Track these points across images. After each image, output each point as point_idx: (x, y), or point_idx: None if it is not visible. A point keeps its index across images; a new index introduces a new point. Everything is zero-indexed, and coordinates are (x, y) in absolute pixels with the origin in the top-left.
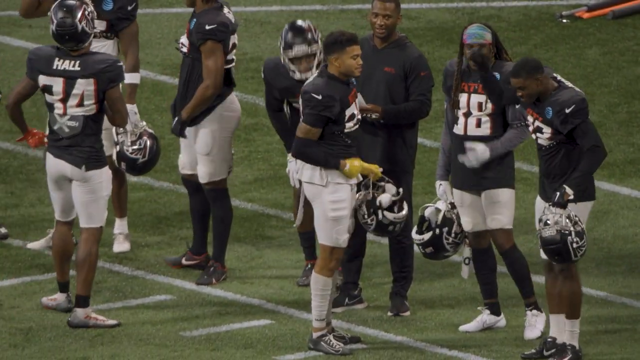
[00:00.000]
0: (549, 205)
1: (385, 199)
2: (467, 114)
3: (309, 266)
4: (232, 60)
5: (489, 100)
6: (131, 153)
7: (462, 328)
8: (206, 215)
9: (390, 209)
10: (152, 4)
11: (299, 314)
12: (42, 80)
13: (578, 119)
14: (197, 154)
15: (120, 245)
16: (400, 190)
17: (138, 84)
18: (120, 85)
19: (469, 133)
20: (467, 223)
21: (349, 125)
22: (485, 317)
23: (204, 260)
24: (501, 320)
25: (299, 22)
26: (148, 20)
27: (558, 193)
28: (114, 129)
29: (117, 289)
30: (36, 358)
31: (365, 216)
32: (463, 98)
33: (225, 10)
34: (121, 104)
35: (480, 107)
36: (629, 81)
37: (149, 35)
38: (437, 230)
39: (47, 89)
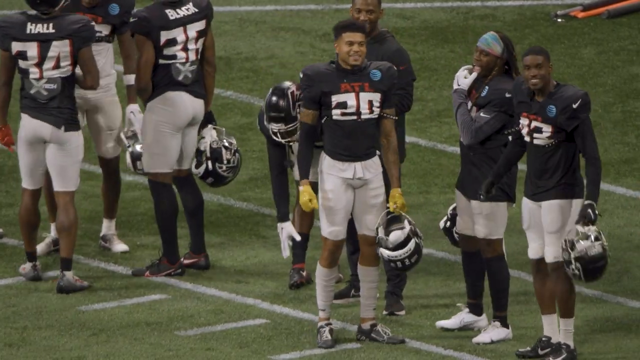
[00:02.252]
0: (578, 223)
1: (394, 236)
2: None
3: (292, 271)
4: (171, 56)
5: (472, 111)
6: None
7: (439, 324)
8: (195, 212)
9: (399, 246)
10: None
11: (294, 313)
12: (16, 47)
13: (584, 113)
14: None
15: (119, 245)
16: (417, 230)
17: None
18: (109, 88)
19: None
20: (458, 223)
21: (336, 113)
22: (464, 315)
23: (202, 259)
24: (481, 321)
25: (280, 102)
26: None
27: (590, 211)
28: (122, 133)
29: (112, 288)
30: (31, 357)
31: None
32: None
33: (183, 7)
34: (93, 64)
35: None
36: (624, 81)
37: None
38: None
39: (22, 55)
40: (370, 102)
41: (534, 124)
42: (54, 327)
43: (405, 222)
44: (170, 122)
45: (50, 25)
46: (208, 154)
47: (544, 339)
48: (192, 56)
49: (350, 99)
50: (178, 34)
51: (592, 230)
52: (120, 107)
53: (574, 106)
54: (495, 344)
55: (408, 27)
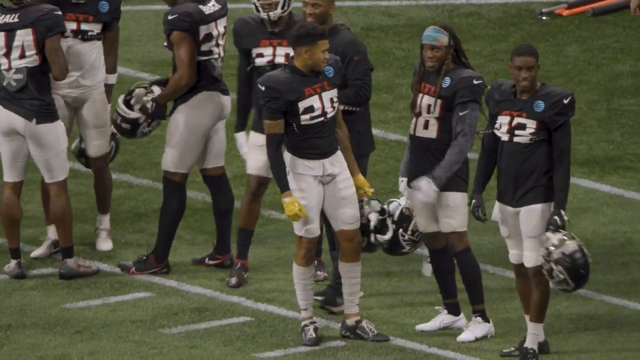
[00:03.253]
0: (548, 230)
1: (373, 218)
2: (418, 115)
3: (239, 265)
4: (208, 52)
5: (437, 104)
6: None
7: (419, 327)
8: (224, 213)
9: (380, 230)
10: (132, 2)
11: (278, 311)
12: None
13: (571, 112)
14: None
15: (104, 243)
16: (385, 207)
17: (113, 85)
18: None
19: (417, 134)
20: (420, 224)
21: (305, 118)
22: (443, 316)
23: (227, 260)
24: (460, 320)
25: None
26: (128, 18)
27: (557, 218)
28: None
29: (96, 286)
30: (15, 355)
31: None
32: (417, 98)
33: (210, 3)
34: (59, 55)
35: (428, 109)
36: (608, 78)
37: (129, 33)
38: (393, 227)
39: None
40: (332, 100)
41: (517, 120)
42: (38, 325)
43: (375, 203)
44: (202, 124)
45: (17, 15)
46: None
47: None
48: (222, 52)
49: (315, 101)
50: (212, 28)
51: (562, 234)
52: (107, 105)
53: (565, 102)
54: (479, 341)
55: (393, 25)
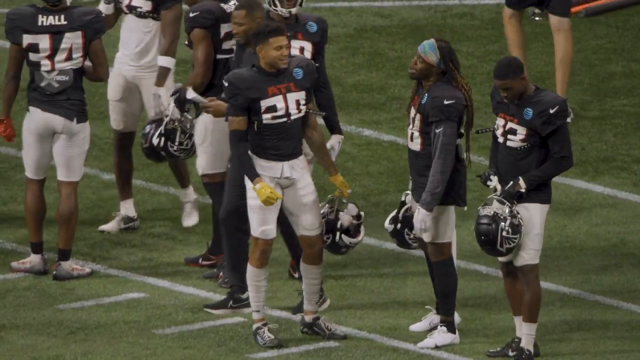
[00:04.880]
0: (497, 196)
1: (345, 219)
2: (407, 125)
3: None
4: (230, 50)
5: (417, 118)
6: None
7: (411, 328)
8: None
9: (348, 231)
10: None
11: (271, 312)
12: (27, 39)
13: (560, 120)
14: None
15: (188, 218)
16: (362, 213)
17: (170, 69)
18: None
19: (408, 145)
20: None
21: (267, 117)
22: (433, 316)
23: (221, 262)
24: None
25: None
26: None
27: (511, 182)
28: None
29: (90, 287)
30: (9, 356)
31: (323, 233)
32: (411, 109)
33: (231, 2)
34: (104, 56)
35: (413, 121)
36: (601, 79)
37: None
38: (399, 225)
39: (33, 48)
40: (298, 102)
41: (510, 125)
42: (31, 326)
43: (351, 206)
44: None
45: (62, 17)
46: (162, 131)
47: (515, 339)
48: None
49: (278, 101)
50: (231, 27)
51: (501, 205)
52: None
53: (551, 111)
54: (472, 342)
55: (386, 26)
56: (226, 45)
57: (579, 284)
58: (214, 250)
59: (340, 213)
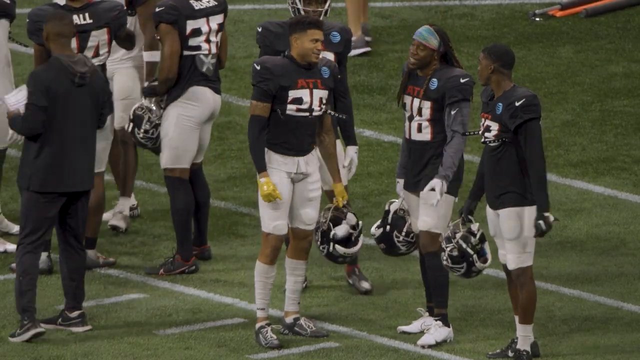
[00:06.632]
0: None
1: (341, 231)
2: (411, 118)
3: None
4: (196, 47)
5: (426, 106)
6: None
7: (400, 329)
8: (203, 205)
9: (343, 242)
10: None
11: (271, 312)
12: None
13: (527, 114)
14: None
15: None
16: (360, 223)
17: (157, 62)
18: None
19: (412, 137)
20: (414, 224)
21: (291, 108)
22: (425, 319)
23: (205, 252)
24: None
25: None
26: None
27: (541, 222)
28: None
29: (90, 287)
30: (9, 357)
31: (318, 243)
32: (408, 101)
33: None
34: (130, 33)
35: (420, 112)
36: (602, 79)
37: None
38: (388, 228)
39: None
40: (321, 99)
41: (486, 122)
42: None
43: (350, 215)
44: (194, 117)
45: (87, 15)
46: (131, 116)
47: (515, 340)
48: (214, 49)
49: (305, 95)
50: (202, 24)
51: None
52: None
53: (517, 104)
54: (473, 342)
55: (387, 26)
56: (193, 42)
57: (579, 284)
58: (197, 241)
59: (337, 227)
